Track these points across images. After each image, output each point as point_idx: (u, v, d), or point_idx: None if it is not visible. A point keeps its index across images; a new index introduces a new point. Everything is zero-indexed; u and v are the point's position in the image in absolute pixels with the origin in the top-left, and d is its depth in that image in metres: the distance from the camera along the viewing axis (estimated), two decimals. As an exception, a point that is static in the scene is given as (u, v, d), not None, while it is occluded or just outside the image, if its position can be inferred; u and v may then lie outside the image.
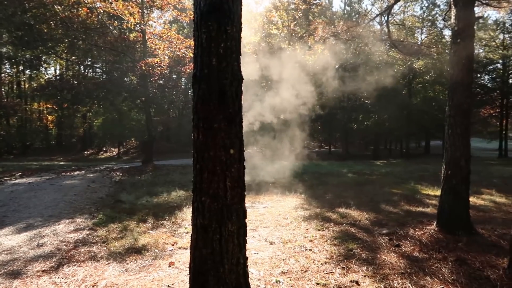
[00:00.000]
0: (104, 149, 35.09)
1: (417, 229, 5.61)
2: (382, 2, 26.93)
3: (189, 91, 32.81)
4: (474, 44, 6.12)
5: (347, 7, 33.12)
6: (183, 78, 32.63)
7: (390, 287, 3.56)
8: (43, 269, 4.15)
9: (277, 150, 13.45)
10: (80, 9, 16.68)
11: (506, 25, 25.88)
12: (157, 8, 17.83)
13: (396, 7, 25.45)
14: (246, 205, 3.21)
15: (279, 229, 5.83)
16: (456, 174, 5.38)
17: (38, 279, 3.87)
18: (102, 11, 16.75)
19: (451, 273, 3.87)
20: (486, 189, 9.70)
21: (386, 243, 4.94)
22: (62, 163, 23.03)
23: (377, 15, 14.85)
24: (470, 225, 5.36)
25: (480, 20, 22.59)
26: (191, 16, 12.06)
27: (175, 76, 30.72)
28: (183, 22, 28.80)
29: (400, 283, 3.63)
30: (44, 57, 27.95)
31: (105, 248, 4.92)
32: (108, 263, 4.34)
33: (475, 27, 5.86)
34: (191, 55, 14.19)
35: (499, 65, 27.58)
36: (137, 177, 12.90)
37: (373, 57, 24.77)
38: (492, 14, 35.21)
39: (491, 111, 30.09)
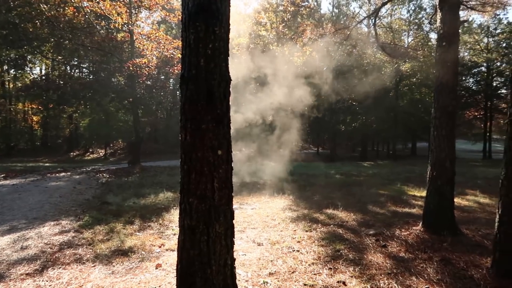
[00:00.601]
0: (91, 150, 34.56)
1: (403, 230, 5.68)
2: (369, 5, 27.28)
3: (177, 92, 32.60)
4: (459, 47, 6.24)
5: (335, 10, 33.35)
6: (171, 79, 32.45)
7: (377, 287, 3.60)
8: (27, 272, 4.07)
9: (266, 151, 13.47)
10: (66, 8, 16.41)
11: (490, 29, 26.55)
12: (145, 8, 17.66)
13: (383, 10, 25.79)
14: (234, 206, 3.21)
15: (267, 230, 5.84)
16: (442, 175, 5.47)
17: (21, 283, 3.79)
18: (89, 11, 16.51)
19: (436, 273, 3.93)
20: (470, 190, 9.87)
21: (372, 244, 4.99)
22: (47, 164, 22.62)
23: (365, 17, 15.02)
24: (455, 225, 5.44)
25: (465, 24, 23.01)
26: (180, 17, 12.01)
27: (163, 77, 30.55)
28: (172, 23, 28.63)
29: (387, 283, 3.67)
30: (29, 57, 27.35)
31: (91, 250, 4.85)
32: (94, 266, 4.28)
33: (460, 30, 5.98)
34: (179, 55, 14.12)
35: (483, 68, 28.20)
36: (124, 179, 12.75)
37: (361, 59, 25.03)
38: (476, 18, 36.11)
39: (476, 113, 30.68)
